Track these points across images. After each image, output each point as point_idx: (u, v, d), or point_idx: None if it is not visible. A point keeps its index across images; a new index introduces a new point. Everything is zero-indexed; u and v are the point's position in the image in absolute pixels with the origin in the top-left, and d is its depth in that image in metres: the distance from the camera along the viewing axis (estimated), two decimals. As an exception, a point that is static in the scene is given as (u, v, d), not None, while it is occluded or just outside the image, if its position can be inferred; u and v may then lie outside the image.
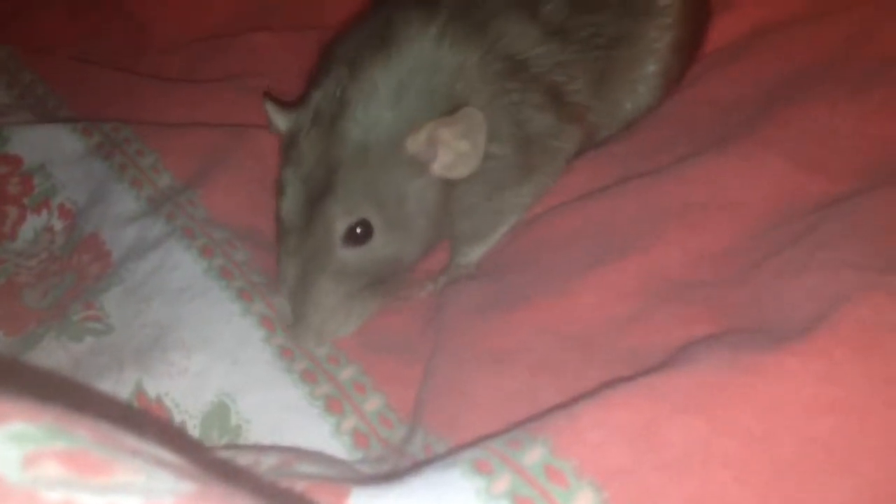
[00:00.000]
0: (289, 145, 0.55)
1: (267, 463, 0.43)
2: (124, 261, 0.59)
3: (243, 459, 0.44)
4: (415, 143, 0.51)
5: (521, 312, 0.49)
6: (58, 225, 0.65)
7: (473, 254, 0.59)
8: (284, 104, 0.58)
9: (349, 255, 0.52)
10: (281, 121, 0.57)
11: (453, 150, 0.52)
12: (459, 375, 0.47)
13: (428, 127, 0.51)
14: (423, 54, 0.54)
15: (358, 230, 0.51)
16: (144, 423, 0.46)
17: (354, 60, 0.54)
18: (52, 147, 0.69)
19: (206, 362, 0.51)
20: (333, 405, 0.49)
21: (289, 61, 0.78)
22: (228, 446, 0.48)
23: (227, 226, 0.60)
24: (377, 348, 0.53)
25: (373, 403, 0.50)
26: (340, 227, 0.51)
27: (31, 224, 0.66)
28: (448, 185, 0.54)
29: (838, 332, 0.38)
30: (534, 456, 0.37)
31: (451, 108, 0.52)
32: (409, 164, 0.52)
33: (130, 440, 0.25)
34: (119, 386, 0.51)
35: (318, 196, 0.51)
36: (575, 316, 0.48)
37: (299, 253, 0.52)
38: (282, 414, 0.49)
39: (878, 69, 0.58)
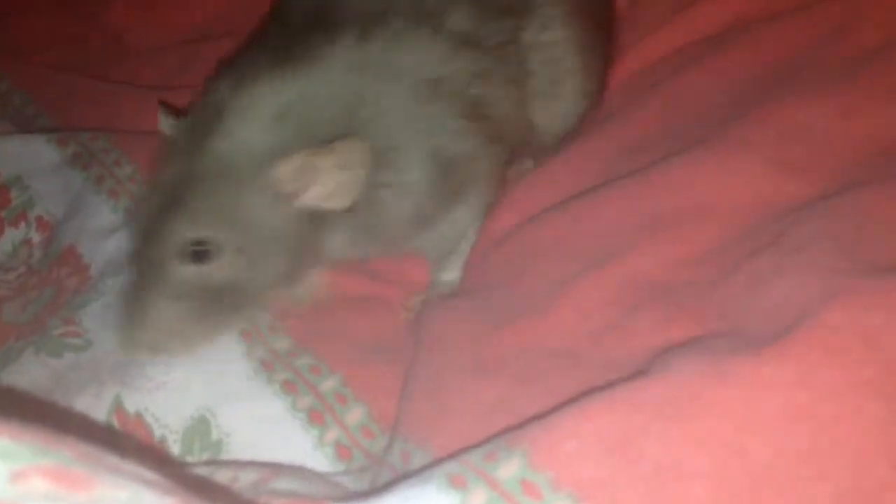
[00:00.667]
0: (160, 154, 0.53)
1: (245, 479, 0.43)
2: (103, 275, 0.58)
3: (222, 476, 0.44)
4: (283, 171, 0.49)
5: (504, 330, 0.49)
6: (36, 238, 0.65)
7: (449, 274, 0.58)
8: (176, 111, 0.57)
9: (187, 273, 0.50)
10: (167, 128, 0.55)
11: (331, 181, 0.50)
12: (438, 385, 0.47)
13: (300, 156, 0.49)
14: (321, 79, 0.52)
15: (198, 248, 0.49)
16: (124, 441, 0.47)
17: (242, 75, 0.52)
18: (29, 158, 0.68)
19: (185, 376, 0.51)
20: (315, 417, 0.49)
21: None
22: (208, 462, 0.48)
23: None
24: (359, 358, 0.53)
25: (355, 415, 0.50)
26: (178, 241, 0.49)
27: (10, 237, 0.65)
28: (319, 217, 0.52)
29: (811, 337, 0.38)
30: (510, 469, 0.37)
31: (347, 136, 0.50)
32: (272, 191, 0.50)
33: (112, 459, 0.26)
34: (98, 401, 0.51)
35: (167, 207, 0.50)
36: (556, 331, 0.48)
37: (140, 262, 0.50)
38: (263, 426, 0.49)
39: (855, 65, 0.58)
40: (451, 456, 0.39)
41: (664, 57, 0.69)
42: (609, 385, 0.40)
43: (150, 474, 0.26)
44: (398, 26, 0.54)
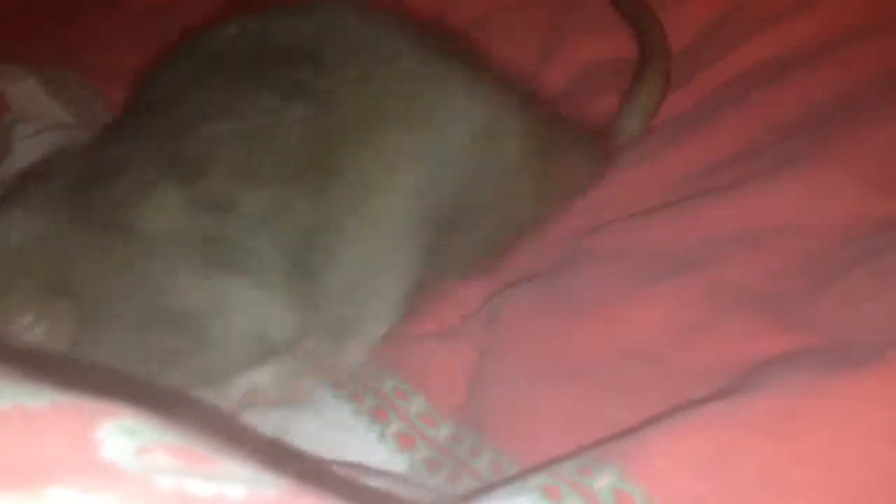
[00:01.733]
0: None
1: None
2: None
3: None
4: None
5: (586, 325, 0.49)
6: None
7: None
8: None
9: None
10: None
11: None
12: (527, 391, 0.47)
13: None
14: (24, 232, 0.47)
15: None
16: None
17: None
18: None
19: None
20: (378, 415, 0.50)
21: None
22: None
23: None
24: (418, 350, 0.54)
25: (416, 406, 0.50)
26: None
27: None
28: None
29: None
30: (603, 481, 0.37)
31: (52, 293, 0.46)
32: None
33: (228, 441, 0.26)
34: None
35: None
36: (640, 330, 0.48)
37: None
38: (326, 427, 0.50)
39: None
40: (544, 467, 0.39)
41: (749, 72, 0.68)
42: (702, 398, 0.40)
43: (263, 457, 0.27)
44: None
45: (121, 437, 0.23)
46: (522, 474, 0.39)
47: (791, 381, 0.38)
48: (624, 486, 0.36)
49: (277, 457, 0.28)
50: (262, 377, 0.53)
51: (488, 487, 0.40)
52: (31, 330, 0.44)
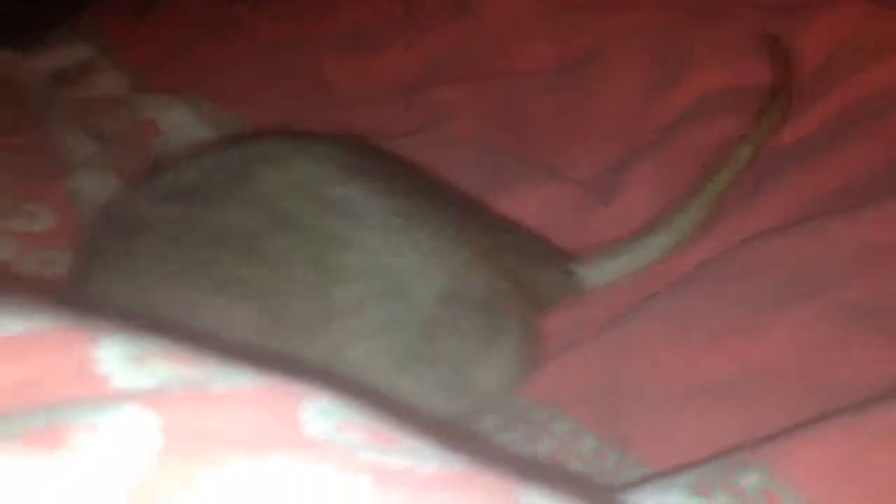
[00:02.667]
0: None
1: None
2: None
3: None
4: None
5: (722, 345, 0.51)
6: None
7: None
8: None
9: None
10: None
11: None
12: (670, 413, 0.49)
13: None
14: None
15: None
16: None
17: None
18: None
19: None
20: (530, 439, 0.51)
21: (475, 111, 0.82)
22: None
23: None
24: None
25: (562, 424, 0.51)
26: None
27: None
28: None
29: None
30: (751, 479, 0.39)
31: None
32: None
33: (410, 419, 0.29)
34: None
35: None
36: (772, 346, 0.49)
37: None
38: None
39: None
40: (691, 467, 0.41)
41: (875, 95, 0.69)
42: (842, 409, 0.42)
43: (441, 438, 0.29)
44: None
45: (320, 416, 0.26)
46: (671, 472, 0.42)
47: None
48: (770, 485, 0.38)
49: (454, 437, 0.30)
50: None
51: (640, 482, 0.42)
52: None
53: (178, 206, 0.52)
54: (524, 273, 0.56)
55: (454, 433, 0.50)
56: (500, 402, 0.53)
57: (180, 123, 0.81)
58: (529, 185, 0.70)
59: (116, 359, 0.26)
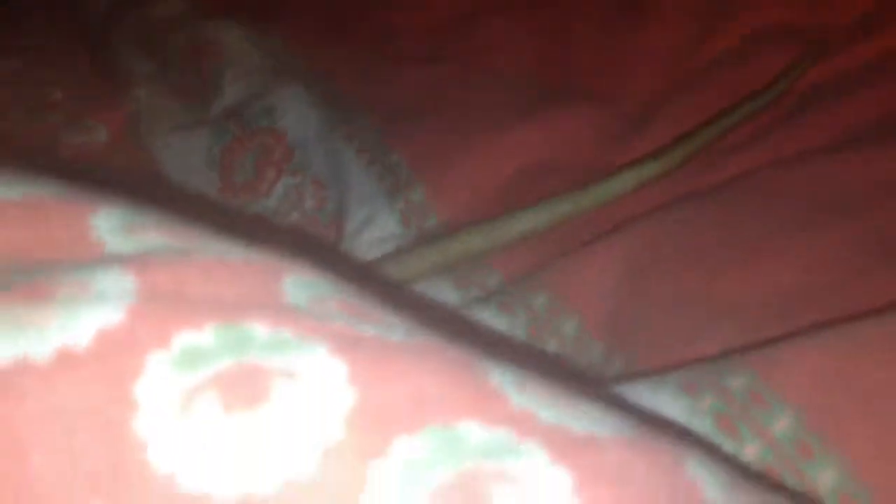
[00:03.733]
0: None
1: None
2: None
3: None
4: None
5: (740, 262, 0.51)
6: (309, 188, 0.72)
7: None
8: None
9: None
10: None
11: None
12: (680, 331, 0.49)
13: None
14: None
15: None
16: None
17: None
18: (312, 128, 0.75)
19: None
20: (534, 333, 0.53)
21: (524, 43, 0.82)
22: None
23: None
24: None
25: (568, 326, 0.53)
26: None
27: (284, 183, 0.72)
28: None
29: None
30: (739, 381, 0.40)
31: None
32: None
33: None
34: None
35: None
36: (792, 270, 0.50)
37: None
38: None
39: None
40: (684, 367, 0.43)
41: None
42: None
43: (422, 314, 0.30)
44: None
45: (301, 288, 0.27)
46: (663, 371, 0.43)
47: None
48: (758, 387, 0.40)
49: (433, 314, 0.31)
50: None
51: (631, 378, 0.44)
52: None
53: None
54: None
55: (440, 317, 0.52)
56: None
57: (237, 47, 0.83)
58: (559, 109, 0.70)
59: (110, 227, 0.28)
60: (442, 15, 0.92)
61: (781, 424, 0.38)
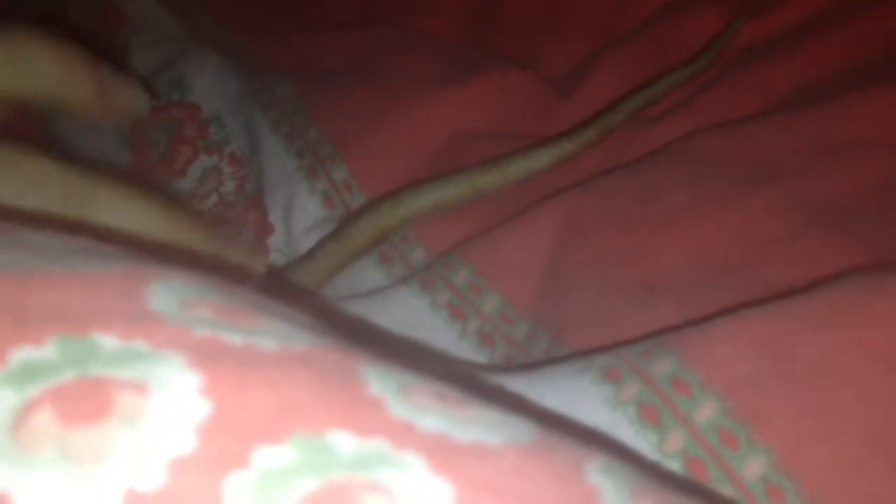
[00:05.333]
0: None
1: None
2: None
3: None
4: None
5: (668, 232, 0.49)
6: (227, 169, 0.69)
7: None
8: None
9: None
10: None
11: None
12: (608, 304, 0.48)
13: None
14: None
15: None
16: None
17: None
18: (228, 99, 0.72)
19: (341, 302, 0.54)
20: (456, 312, 0.51)
21: (454, 6, 0.79)
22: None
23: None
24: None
25: (491, 302, 0.51)
26: None
27: (201, 163, 0.69)
28: None
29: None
30: (662, 367, 0.38)
31: None
32: None
33: (274, 304, 0.28)
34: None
35: None
36: (722, 236, 0.48)
37: None
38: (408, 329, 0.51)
39: None
40: (607, 350, 0.41)
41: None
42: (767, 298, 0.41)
43: (308, 319, 0.28)
44: None
45: (169, 293, 0.25)
46: (587, 354, 0.41)
47: (853, 281, 0.39)
48: (682, 373, 0.38)
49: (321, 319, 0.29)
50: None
51: (553, 363, 0.42)
52: None
53: None
54: None
55: (335, 320, 0.50)
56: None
57: (145, 11, 0.79)
58: (490, 73, 0.67)
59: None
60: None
61: (704, 412, 0.36)
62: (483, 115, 0.65)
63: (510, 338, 0.49)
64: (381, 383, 0.23)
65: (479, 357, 0.50)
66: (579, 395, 0.38)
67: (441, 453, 0.21)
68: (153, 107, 0.70)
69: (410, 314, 0.52)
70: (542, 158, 0.58)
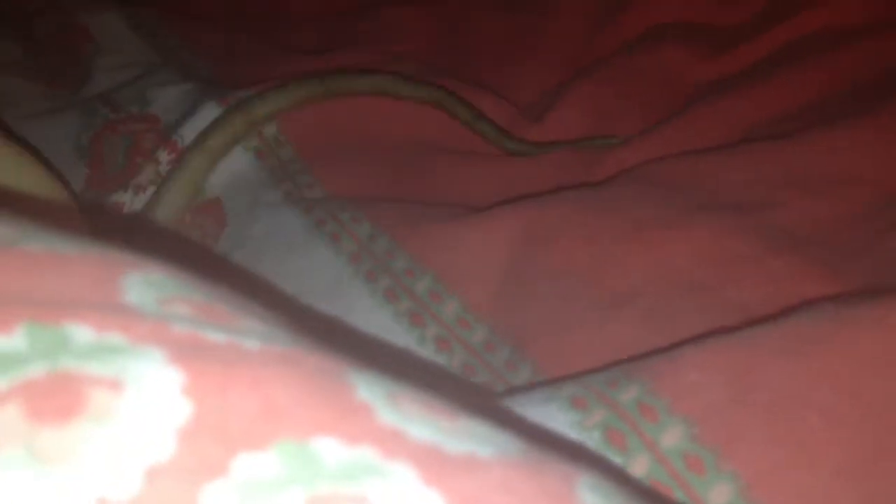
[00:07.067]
0: None
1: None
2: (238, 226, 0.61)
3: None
4: None
5: (633, 246, 0.49)
6: (162, 156, 0.66)
7: None
8: None
9: None
10: None
11: None
12: (571, 317, 0.48)
13: None
14: None
15: None
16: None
17: None
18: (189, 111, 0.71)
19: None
20: (416, 319, 0.50)
21: (423, 32, 0.80)
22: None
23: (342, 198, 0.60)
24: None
25: (450, 308, 0.50)
26: None
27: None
28: None
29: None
30: (629, 394, 0.38)
31: None
32: None
33: (253, 307, 0.27)
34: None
35: None
36: (684, 253, 0.48)
37: None
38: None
39: None
40: (575, 379, 0.40)
41: (818, 33, 0.68)
42: (735, 326, 0.41)
43: (285, 320, 0.27)
44: None
45: (146, 287, 0.24)
46: (554, 382, 0.41)
47: (820, 310, 0.39)
48: (648, 399, 0.37)
49: (299, 320, 0.28)
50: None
51: (521, 391, 0.41)
52: None
53: None
54: None
55: (317, 322, 0.49)
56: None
57: (111, 30, 0.77)
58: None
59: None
60: (340, 4, 0.90)
61: (670, 437, 0.36)
62: (450, 131, 0.66)
63: (468, 343, 0.49)
64: (368, 389, 0.22)
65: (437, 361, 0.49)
66: (546, 421, 0.38)
67: (432, 465, 0.20)
68: (112, 120, 0.69)
69: (372, 319, 0.52)
70: (363, 83, 0.67)
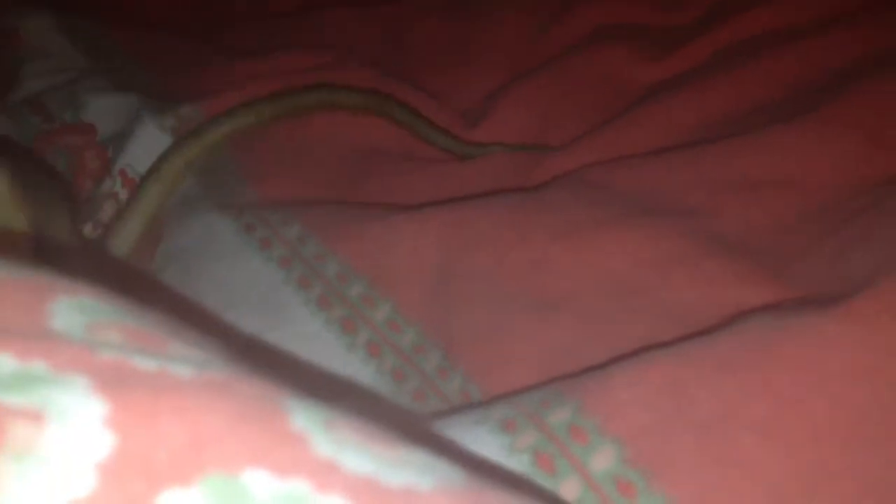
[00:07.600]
0: None
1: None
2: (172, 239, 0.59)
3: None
4: None
5: (567, 247, 0.49)
6: (122, 193, 0.65)
7: None
8: None
9: None
10: None
11: None
12: (504, 320, 0.47)
13: None
14: None
15: None
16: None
17: None
18: (125, 117, 0.69)
19: (236, 316, 0.52)
20: (347, 325, 0.50)
21: (366, 35, 0.79)
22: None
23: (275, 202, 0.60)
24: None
25: (382, 312, 0.50)
26: None
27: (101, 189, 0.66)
28: None
29: (881, 299, 0.37)
30: (560, 415, 0.37)
31: None
32: None
33: (187, 330, 0.26)
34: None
35: None
36: (617, 255, 0.48)
37: None
38: (298, 342, 0.50)
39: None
40: (506, 398, 0.39)
41: (761, 34, 0.68)
42: (671, 340, 0.40)
43: (221, 346, 0.26)
44: None
45: (75, 312, 0.23)
46: (486, 404, 0.40)
47: (756, 322, 0.38)
48: (579, 421, 0.36)
49: (232, 343, 0.27)
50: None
51: (452, 412, 0.40)
52: None
53: None
54: None
55: (248, 344, 0.48)
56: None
57: (43, 35, 0.75)
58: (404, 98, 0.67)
59: None
60: (283, 5, 0.89)
61: (601, 460, 0.35)
62: (389, 136, 0.66)
63: (397, 347, 0.48)
64: (305, 417, 0.21)
65: (367, 369, 0.48)
66: (477, 444, 0.37)
67: (368, 499, 0.19)
68: (46, 131, 0.67)
69: (304, 326, 0.51)
70: (309, 99, 0.67)
